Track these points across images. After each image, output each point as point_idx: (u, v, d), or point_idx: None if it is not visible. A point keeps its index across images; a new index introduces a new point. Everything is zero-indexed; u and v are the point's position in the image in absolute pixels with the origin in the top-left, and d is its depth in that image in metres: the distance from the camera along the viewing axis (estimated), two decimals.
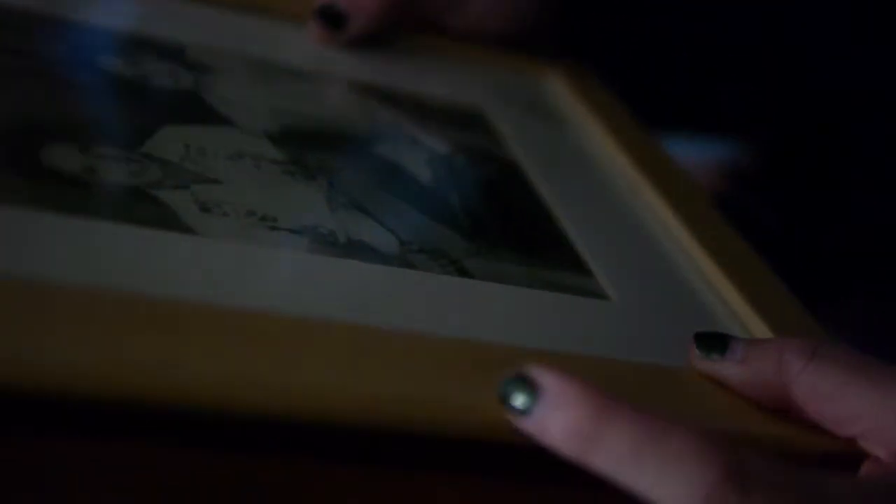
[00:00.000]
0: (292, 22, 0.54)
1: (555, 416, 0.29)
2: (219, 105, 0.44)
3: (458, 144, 0.50)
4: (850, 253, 0.70)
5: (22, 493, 0.28)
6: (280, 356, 0.30)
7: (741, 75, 0.70)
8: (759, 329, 0.41)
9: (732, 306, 0.43)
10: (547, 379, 0.29)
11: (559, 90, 0.59)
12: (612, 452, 0.29)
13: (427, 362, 0.32)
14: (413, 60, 0.56)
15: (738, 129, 0.75)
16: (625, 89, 0.61)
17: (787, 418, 0.35)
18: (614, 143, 0.54)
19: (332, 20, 0.53)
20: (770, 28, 0.68)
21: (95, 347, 0.28)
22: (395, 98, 0.52)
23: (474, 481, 0.34)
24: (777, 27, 0.68)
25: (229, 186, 0.39)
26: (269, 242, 0.36)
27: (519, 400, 0.30)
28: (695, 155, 0.71)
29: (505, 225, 0.45)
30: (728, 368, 0.35)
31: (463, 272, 0.39)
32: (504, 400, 0.30)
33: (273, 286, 0.34)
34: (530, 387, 0.30)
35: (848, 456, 0.35)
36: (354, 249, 0.38)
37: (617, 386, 0.31)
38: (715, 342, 0.36)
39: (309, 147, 0.44)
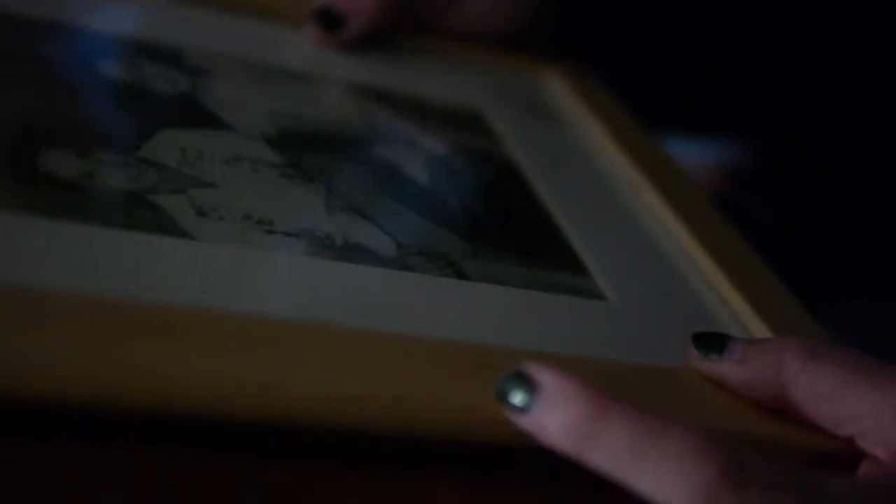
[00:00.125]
0: (290, 23, 0.54)
1: (553, 414, 0.29)
2: (216, 109, 0.44)
3: (456, 145, 0.50)
4: (850, 253, 0.70)
5: (22, 493, 0.28)
6: (277, 360, 0.30)
7: (741, 75, 0.69)
8: (759, 329, 0.41)
9: (732, 306, 0.43)
10: (545, 376, 0.30)
11: (559, 90, 0.59)
12: (610, 450, 0.29)
13: (425, 365, 0.32)
14: (412, 61, 0.56)
15: (738, 129, 0.75)
16: (625, 89, 0.61)
17: (785, 418, 0.35)
18: (614, 143, 0.53)
19: (331, 21, 0.53)
20: (770, 28, 0.68)
21: (91, 354, 0.27)
22: (393, 99, 0.52)
23: (474, 483, 0.34)
24: (777, 27, 0.68)
25: (226, 190, 0.39)
26: (265, 246, 0.36)
27: (517, 397, 0.30)
28: (695, 155, 0.71)
29: (503, 226, 0.45)
30: (726, 368, 0.35)
31: (461, 274, 0.39)
32: (503, 398, 0.30)
33: (269, 290, 0.34)
34: (529, 384, 0.30)
35: (847, 456, 0.35)
36: (352, 253, 0.38)
37: (615, 387, 0.31)
38: (713, 342, 0.36)
39: (307, 150, 0.44)
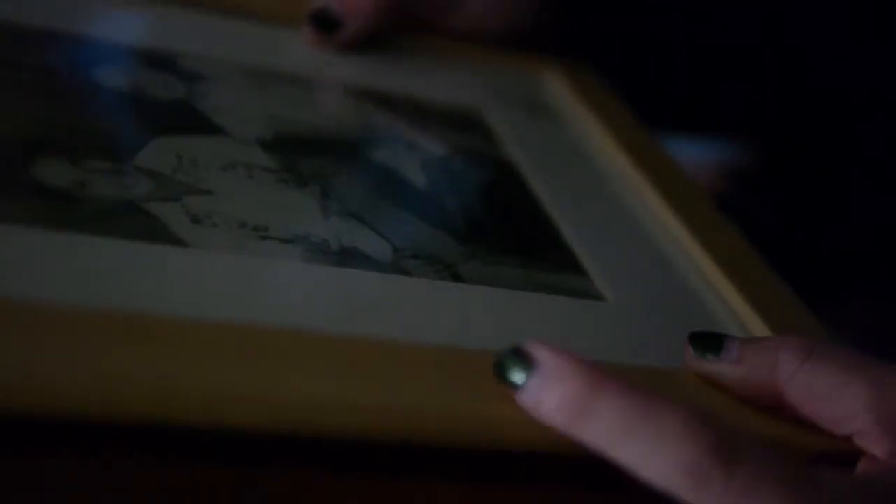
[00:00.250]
0: (287, 26, 0.54)
1: (549, 390, 0.30)
2: (212, 114, 0.44)
3: (455, 146, 0.50)
4: (850, 253, 0.70)
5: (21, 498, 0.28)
6: (270, 368, 0.30)
7: (741, 75, 0.69)
8: (760, 329, 0.41)
9: (732, 306, 0.43)
10: (542, 353, 0.30)
11: (559, 89, 0.59)
12: (602, 427, 0.29)
13: (420, 371, 0.32)
14: (411, 61, 0.56)
15: (738, 129, 0.74)
16: (625, 90, 0.61)
17: (783, 418, 0.35)
18: (614, 142, 0.53)
19: (328, 23, 0.53)
20: (770, 28, 0.68)
21: (85, 365, 0.28)
22: (391, 101, 0.52)
23: (474, 487, 0.33)
24: (777, 27, 0.68)
25: (221, 197, 0.39)
26: (260, 253, 0.36)
27: (515, 374, 0.31)
28: (695, 155, 0.71)
29: (501, 227, 0.45)
30: (723, 368, 0.35)
31: (457, 277, 0.39)
32: (500, 373, 0.31)
33: (263, 297, 0.34)
34: (526, 361, 0.30)
35: (846, 455, 0.34)
36: (347, 257, 0.38)
37: None
38: (710, 342, 0.36)
39: (303, 154, 0.44)
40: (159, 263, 0.33)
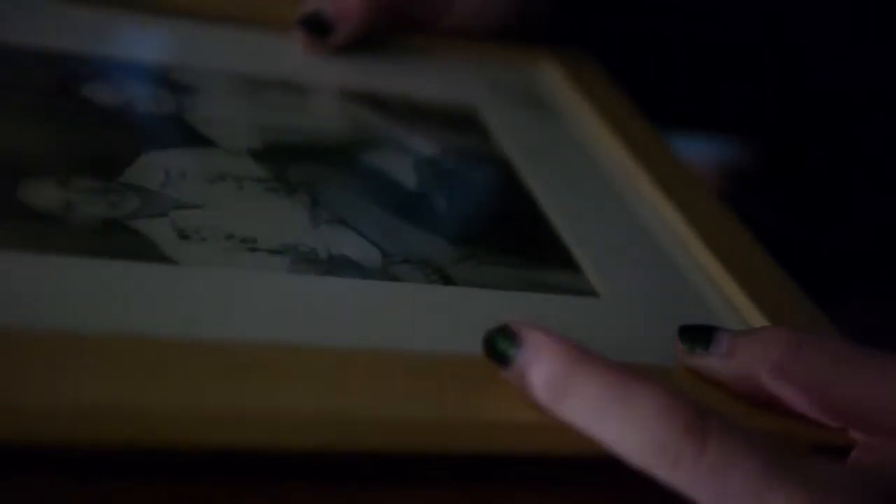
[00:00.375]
0: (279, 31, 0.54)
1: (532, 367, 0.31)
2: (201, 126, 0.44)
3: (447, 146, 0.49)
4: (850, 253, 0.70)
5: None
6: (256, 386, 0.30)
7: (740, 73, 0.69)
8: (760, 323, 0.40)
9: (733, 300, 0.42)
10: (527, 332, 0.32)
11: (556, 81, 0.59)
12: (579, 404, 0.30)
13: (406, 380, 0.32)
14: (404, 61, 0.56)
15: (737, 128, 0.74)
16: (623, 86, 0.60)
17: (776, 411, 0.34)
18: (611, 134, 0.53)
19: (320, 28, 0.53)
20: (770, 27, 0.68)
21: (71, 391, 0.28)
22: (384, 103, 0.52)
23: (469, 492, 0.33)
24: (777, 25, 0.68)
25: (209, 210, 0.39)
26: (248, 265, 0.36)
27: (502, 350, 0.32)
28: (695, 154, 0.71)
29: (493, 226, 0.44)
30: (714, 363, 0.35)
31: (448, 280, 0.39)
32: (488, 350, 0.32)
33: (250, 312, 0.33)
34: (512, 338, 0.32)
35: (842, 448, 0.34)
36: (336, 266, 0.38)
37: None
38: (699, 336, 0.35)
39: (293, 162, 0.44)
40: (144, 283, 0.33)
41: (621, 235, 0.45)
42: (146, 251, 0.35)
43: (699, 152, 0.71)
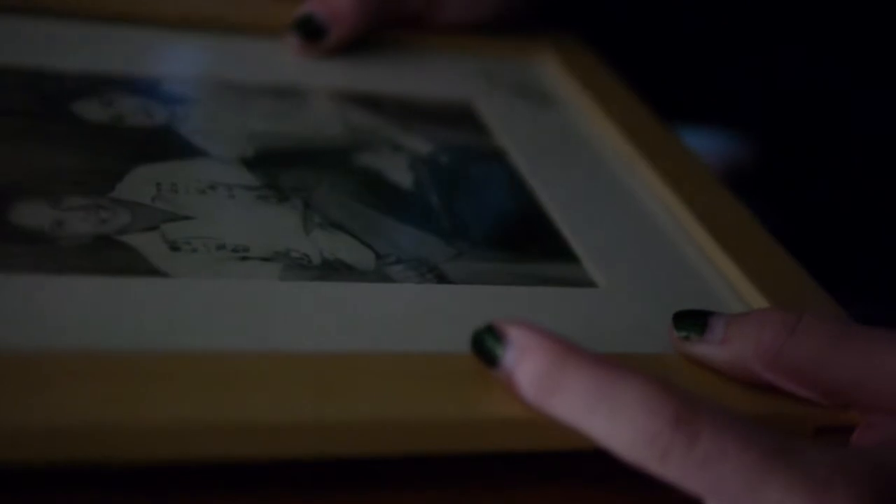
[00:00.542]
0: (271, 36, 0.54)
1: (520, 365, 0.31)
2: (193, 136, 0.44)
3: (442, 143, 0.49)
4: (851, 253, 0.69)
5: None
6: (249, 395, 0.30)
7: (740, 67, 0.69)
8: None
9: (737, 286, 0.41)
10: (513, 331, 0.31)
11: (552, 70, 0.58)
12: (568, 400, 0.30)
13: (402, 382, 0.32)
14: (397, 60, 0.56)
15: (737, 122, 0.74)
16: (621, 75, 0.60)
17: (776, 395, 0.34)
18: (609, 121, 0.52)
19: (313, 31, 0.53)
20: (770, 24, 0.67)
21: (64, 410, 0.28)
22: (378, 103, 0.51)
23: (468, 491, 0.34)
24: (777, 23, 0.67)
25: (201, 221, 0.39)
26: (239, 274, 0.36)
27: (489, 350, 0.32)
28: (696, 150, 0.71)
29: (489, 222, 0.44)
30: (709, 349, 0.34)
31: (443, 278, 0.39)
32: (476, 350, 0.32)
33: (240, 322, 0.33)
34: (498, 337, 0.32)
35: (844, 429, 0.34)
36: (329, 270, 0.38)
37: None
38: (693, 321, 0.35)
39: (285, 168, 0.44)
40: (134, 297, 0.33)
41: (621, 225, 0.45)
42: (137, 265, 0.35)
43: (699, 149, 0.71)
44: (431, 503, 0.33)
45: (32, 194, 0.38)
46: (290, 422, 0.30)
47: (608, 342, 0.36)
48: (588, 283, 0.40)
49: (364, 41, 0.55)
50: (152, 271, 0.35)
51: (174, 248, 0.37)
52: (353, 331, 0.34)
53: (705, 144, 0.75)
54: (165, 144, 0.44)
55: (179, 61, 0.51)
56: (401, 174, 0.46)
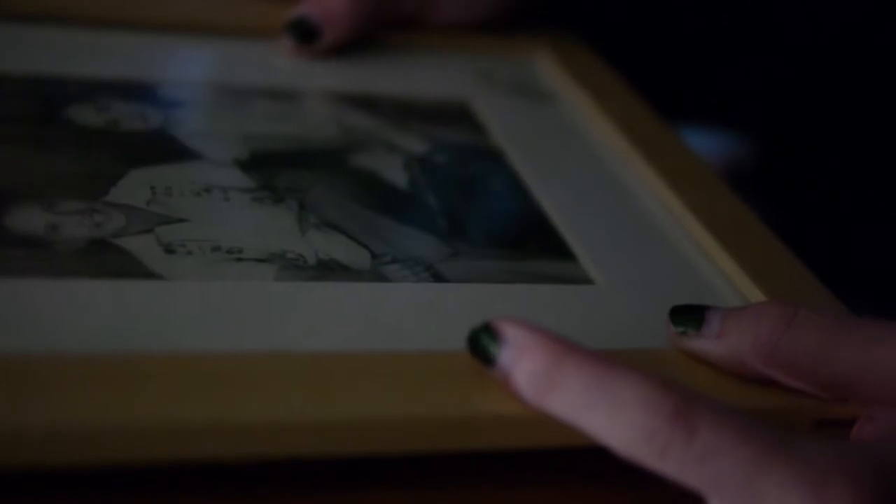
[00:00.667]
0: (265, 39, 0.54)
1: (516, 364, 0.31)
2: (188, 139, 0.44)
3: (437, 142, 0.49)
4: (850, 252, 0.69)
5: None
6: (245, 396, 0.30)
7: (741, 69, 0.69)
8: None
9: (735, 281, 0.41)
10: (510, 329, 0.31)
11: (549, 68, 0.58)
12: (565, 398, 0.30)
13: (399, 381, 0.32)
14: (393, 60, 0.56)
15: (737, 122, 0.74)
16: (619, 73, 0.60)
17: (774, 389, 0.34)
18: (605, 118, 0.52)
19: (307, 33, 0.53)
20: (769, 19, 0.67)
21: (65, 412, 0.28)
22: (374, 103, 0.51)
23: (466, 490, 0.33)
24: (777, 19, 0.67)
25: (196, 223, 0.39)
26: (234, 276, 0.36)
27: (485, 349, 0.32)
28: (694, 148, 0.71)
29: (485, 220, 0.44)
30: (706, 344, 0.34)
31: (439, 277, 0.39)
32: (473, 349, 0.32)
33: (236, 323, 0.33)
34: (494, 336, 0.31)
35: (844, 422, 0.34)
36: (324, 270, 0.38)
37: None
38: (689, 317, 0.35)
39: (281, 169, 0.44)
40: (129, 300, 0.33)
41: (618, 221, 0.45)
42: (132, 268, 0.35)
43: (699, 149, 0.71)
44: (430, 502, 0.33)
45: (27, 199, 0.38)
46: (287, 422, 0.29)
47: (605, 338, 0.36)
48: (585, 280, 0.40)
49: (359, 41, 0.55)
50: (147, 274, 0.35)
51: (169, 250, 0.37)
52: (349, 331, 0.34)
53: (705, 144, 0.75)
54: (160, 148, 0.44)
55: (174, 65, 0.51)
56: (396, 174, 0.46)
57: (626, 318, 0.38)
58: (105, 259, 0.35)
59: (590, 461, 0.31)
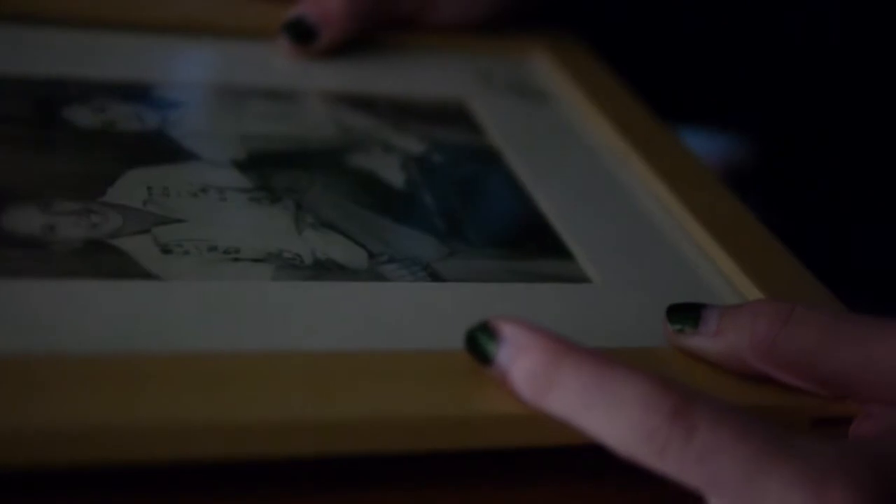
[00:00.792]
0: (263, 39, 0.54)
1: (514, 363, 0.31)
2: (185, 140, 0.44)
3: (434, 142, 0.49)
4: (850, 252, 0.69)
5: None
6: (244, 395, 0.30)
7: (741, 69, 0.69)
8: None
9: (733, 280, 0.41)
10: (507, 328, 0.31)
11: (547, 68, 0.58)
12: (564, 397, 0.30)
13: (392, 380, 0.32)
14: (391, 60, 0.56)
15: (736, 124, 0.74)
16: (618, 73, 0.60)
17: (771, 386, 0.34)
18: (603, 118, 0.52)
19: (302, 34, 0.53)
20: (769, 20, 0.67)
21: (65, 413, 0.28)
22: (372, 103, 0.51)
23: (467, 490, 0.33)
24: (776, 20, 0.67)
25: (192, 223, 0.39)
26: (231, 276, 0.36)
27: (483, 348, 0.31)
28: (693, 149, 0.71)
29: (483, 220, 0.44)
30: (703, 342, 0.34)
31: (436, 276, 0.39)
32: (471, 348, 0.32)
33: (232, 323, 0.33)
34: (492, 335, 0.31)
35: (843, 419, 0.34)
36: (321, 270, 0.38)
37: None
38: (686, 315, 0.35)
39: (278, 169, 0.44)
40: (125, 300, 0.33)
41: (615, 220, 0.45)
42: (129, 268, 0.35)
43: (699, 150, 0.71)
44: (429, 501, 0.33)
45: (24, 199, 0.38)
46: (285, 421, 0.29)
47: (603, 337, 0.36)
48: (583, 279, 0.40)
49: (357, 41, 0.55)
50: (144, 274, 0.35)
51: (166, 250, 0.37)
52: (347, 330, 0.34)
53: (705, 145, 0.75)
54: (157, 148, 0.44)
55: (171, 66, 0.51)
56: (393, 174, 0.46)
57: (624, 316, 0.38)
58: (102, 259, 0.35)
59: (589, 460, 0.31)
